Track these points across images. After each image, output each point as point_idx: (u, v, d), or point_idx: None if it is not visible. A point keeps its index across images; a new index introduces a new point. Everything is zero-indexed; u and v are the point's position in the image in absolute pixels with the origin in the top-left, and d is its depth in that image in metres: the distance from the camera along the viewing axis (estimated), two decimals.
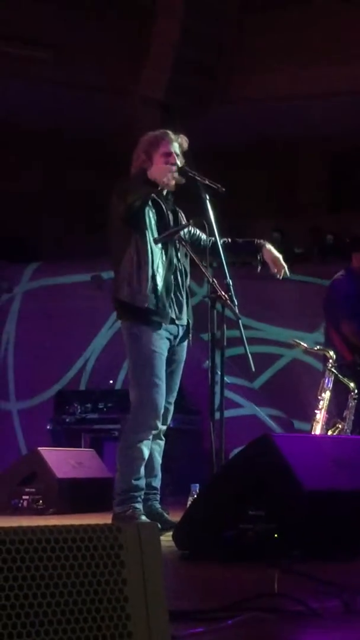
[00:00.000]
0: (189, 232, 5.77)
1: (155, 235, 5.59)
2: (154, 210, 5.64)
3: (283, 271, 5.77)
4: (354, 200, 15.57)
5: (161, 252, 5.59)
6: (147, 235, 5.55)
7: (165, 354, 5.60)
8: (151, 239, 5.56)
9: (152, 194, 5.55)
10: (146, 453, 5.55)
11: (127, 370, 5.76)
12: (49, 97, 14.01)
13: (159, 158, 5.60)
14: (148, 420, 5.53)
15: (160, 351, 5.56)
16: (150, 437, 5.56)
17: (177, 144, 5.66)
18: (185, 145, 5.69)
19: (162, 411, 5.55)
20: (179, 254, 5.69)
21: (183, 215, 5.81)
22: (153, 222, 5.62)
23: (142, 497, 5.58)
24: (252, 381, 10.97)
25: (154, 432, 5.56)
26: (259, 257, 5.80)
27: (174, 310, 5.64)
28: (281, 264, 5.76)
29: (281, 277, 5.80)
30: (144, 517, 5.44)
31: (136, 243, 5.55)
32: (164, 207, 5.67)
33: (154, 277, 5.54)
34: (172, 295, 5.62)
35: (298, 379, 10.42)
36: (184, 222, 5.74)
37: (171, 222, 5.70)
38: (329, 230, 15.31)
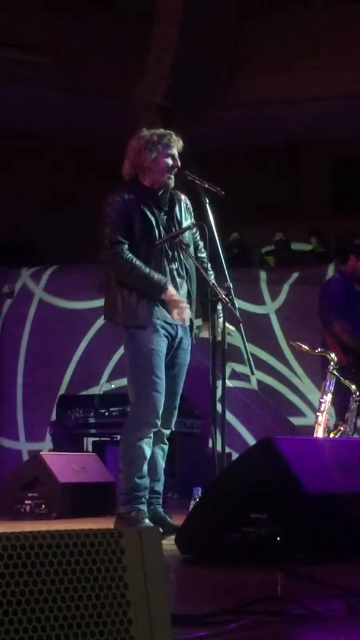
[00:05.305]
0: (192, 233, 5.74)
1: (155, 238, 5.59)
2: (150, 214, 5.62)
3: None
4: (356, 202, 15.56)
5: (157, 257, 5.57)
6: (139, 244, 5.55)
7: (164, 351, 5.56)
8: (144, 246, 5.55)
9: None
10: (147, 451, 5.51)
11: (126, 369, 5.73)
12: (49, 102, 14.02)
13: (162, 159, 5.60)
14: (147, 417, 5.49)
15: (158, 348, 5.52)
16: (151, 434, 5.52)
17: (177, 146, 5.67)
18: (181, 147, 5.70)
19: (161, 409, 5.51)
20: (178, 257, 5.66)
21: (188, 205, 5.77)
22: (153, 224, 5.61)
23: (147, 496, 5.56)
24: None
25: (153, 429, 5.53)
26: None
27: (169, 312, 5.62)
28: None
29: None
30: (147, 520, 5.43)
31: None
32: (157, 213, 5.65)
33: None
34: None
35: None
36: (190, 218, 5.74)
37: (173, 224, 5.68)
38: (331, 233, 15.31)
